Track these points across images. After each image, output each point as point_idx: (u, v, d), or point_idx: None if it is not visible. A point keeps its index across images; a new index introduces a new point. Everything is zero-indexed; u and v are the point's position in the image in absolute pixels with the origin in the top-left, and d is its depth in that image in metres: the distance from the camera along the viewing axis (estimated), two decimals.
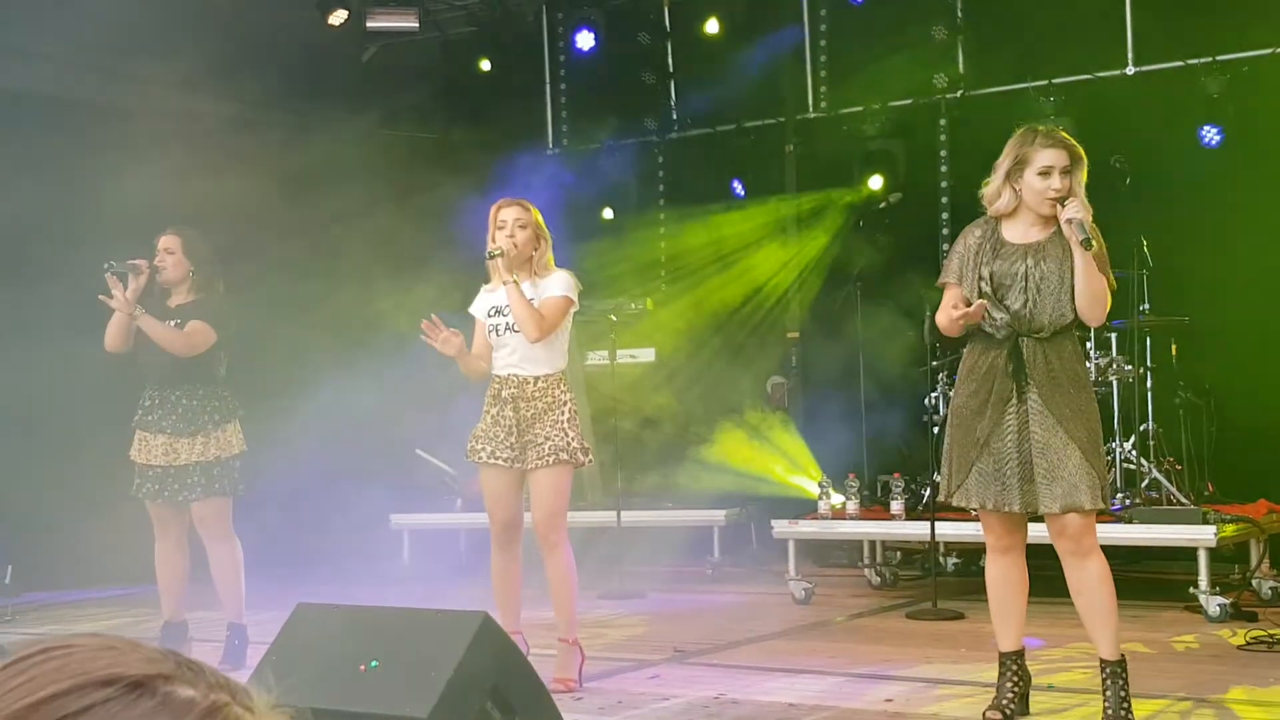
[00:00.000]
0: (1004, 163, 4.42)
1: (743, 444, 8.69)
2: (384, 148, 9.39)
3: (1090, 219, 4.30)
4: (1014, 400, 4.38)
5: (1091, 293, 4.32)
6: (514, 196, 5.25)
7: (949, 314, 4.41)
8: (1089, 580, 4.35)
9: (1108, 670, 4.38)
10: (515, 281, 5.00)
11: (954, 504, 4.56)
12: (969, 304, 4.40)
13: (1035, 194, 4.34)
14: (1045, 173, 4.32)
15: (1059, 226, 4.37)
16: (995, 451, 4.39)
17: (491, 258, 5.02)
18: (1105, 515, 5.28)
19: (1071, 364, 4.41)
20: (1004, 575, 4.53)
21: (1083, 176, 4.39)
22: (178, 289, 5.80)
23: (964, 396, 4.52)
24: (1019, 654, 4.57)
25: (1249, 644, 5.66)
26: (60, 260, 7.83)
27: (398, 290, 8.55)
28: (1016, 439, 4.36)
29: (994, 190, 4.44)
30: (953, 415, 4.58)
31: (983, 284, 4.42)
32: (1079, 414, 4.34)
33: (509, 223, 5.08)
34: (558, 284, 5.10)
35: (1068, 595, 4.48)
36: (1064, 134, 4.48)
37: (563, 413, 5.04)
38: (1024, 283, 4.36)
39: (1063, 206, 4.32)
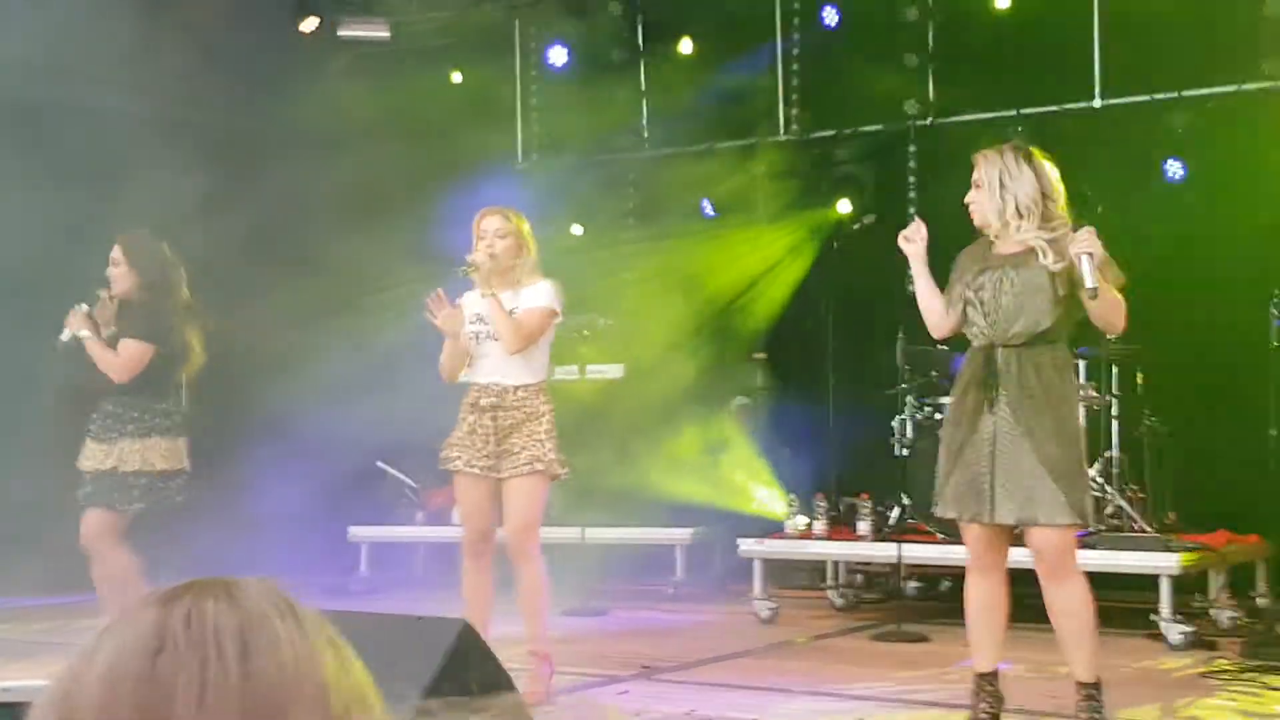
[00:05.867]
0: None
1: (708, 463, 8.66)
2: (353, 158, 9.30)
3: (1102, 251, 4.26)
4: (986, 411, 4.39)
5: (1106, 305, 4.33)
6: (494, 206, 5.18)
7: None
8: (1067, 603, 4.35)
9: (1083, 693, 4.39)
10: (494, 294, 4.94)
11: (936, 514, 4.58)
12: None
13: None
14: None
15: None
16: (969, 462, 4.40)
17: (463, 273, 4.92)
18: None
19: (1050, 376, 4.39)
20: (982, 596, 4.51)
21: (986, 170, 4.40)
22: (131, 298, 5.69)
23: (952, 405, 4.57)
24: (994, 675, 4.57)
25: (1212, 672, 5.71)
26: (29, 265, 7.70)
27: (363, 302, 8.46)
28: (990, 450, 4.36)
29: None
30: (944, 424, 4.63)
31: (967, 291, 4.47)
32: (1050, 428, 4.33)
33: (489, 233, 5.03)
34: (541, 294, 5.04)
35: (1041, 620, 4.48)
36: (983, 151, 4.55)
37: (540, 424, 5.00)
38: (995, 287, 4.40)
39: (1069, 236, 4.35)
